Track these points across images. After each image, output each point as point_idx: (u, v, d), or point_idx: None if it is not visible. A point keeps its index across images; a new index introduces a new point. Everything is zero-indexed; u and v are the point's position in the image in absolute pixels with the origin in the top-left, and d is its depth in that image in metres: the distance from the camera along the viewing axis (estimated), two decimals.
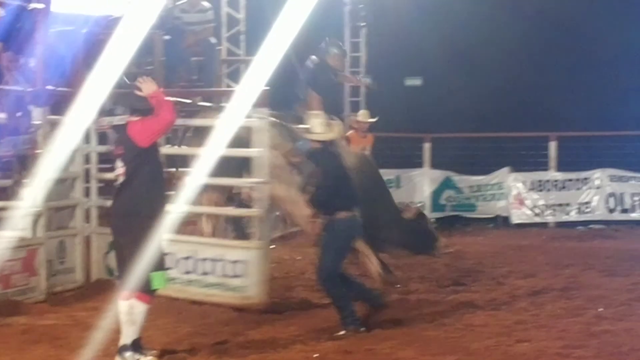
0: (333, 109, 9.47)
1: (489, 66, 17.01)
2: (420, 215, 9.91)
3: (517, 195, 15.93)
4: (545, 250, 12.66)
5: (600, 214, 15.69)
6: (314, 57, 10.00)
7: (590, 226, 15.60)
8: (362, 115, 13.32)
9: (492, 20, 16.99)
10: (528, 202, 15.95)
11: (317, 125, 7.81)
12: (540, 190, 15.93)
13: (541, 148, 16.12)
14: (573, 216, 15.84)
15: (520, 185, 15.97)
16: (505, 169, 16.08)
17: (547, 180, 15.96)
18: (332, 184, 7.55)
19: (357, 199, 7.78)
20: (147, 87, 6.64)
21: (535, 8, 17.22)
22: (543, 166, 16.15)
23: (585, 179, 15.81)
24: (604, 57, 17.18)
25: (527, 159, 16.13)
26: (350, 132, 12.89)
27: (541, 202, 15.91)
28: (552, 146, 16.04)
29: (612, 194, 15.58)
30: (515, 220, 15.93)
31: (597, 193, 15.70)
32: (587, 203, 15.75)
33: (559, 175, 15.96)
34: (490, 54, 16.88)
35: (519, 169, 16.03)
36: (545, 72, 17.46)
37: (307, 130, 7.93)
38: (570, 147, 16.12)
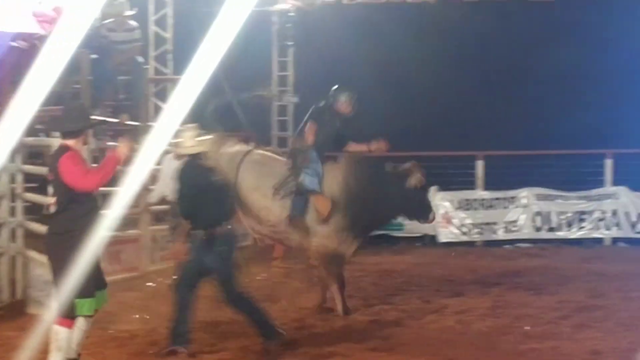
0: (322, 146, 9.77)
1: (416, 85, 17.09)
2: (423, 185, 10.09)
3: (444, 214, 16.03)
4: (473, 269, 12.75)
5: (527, 232, 15.87)
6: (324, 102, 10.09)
7: (517, 245, 15.79)
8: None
9: (419, 39, 17.13)
10: (455, 221, 16.07)
11: (187, 139, 7.73)
12: (468, 209, 16.06)
13: (468, 167, 16.29)
14: (500, 235, 16.01)
15: (447, 204, 16.06)
16: (433, 188, 16.17)
17: (474, 199, 16.12)
18: (195, 196, 7.51)
19: (228, 213, 7.77)
20: (124, 148, 6.62)
21: (462, 28, 17.41)
22: (470, 185, 16.31)
23: (512, 197, 16.00)
24: (530, 76, 17.44)
25: (454, 178, 16.27)
26: None
27: (468, 221, 16.04)
28: (479, 165, 16.22)
29: (538, 213, 15.78)
30: (442, 239, 16.01)
31: (524, 212, 15.87)
32: (514, 222, 15.95)
33: (486, 194, 16.12)
34: (417, 73, 16.98)
35: (446, 188, 16.15)
36: (472, 91, 17.61)
37: (177, 144, 7.92)
38: (497, 165, 16.29)
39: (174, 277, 7.64)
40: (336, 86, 10.11)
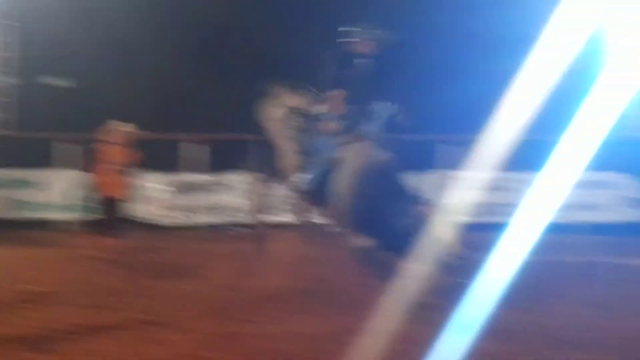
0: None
1: (145, 69, 17.02)
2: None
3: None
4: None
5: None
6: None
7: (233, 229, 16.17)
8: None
9: (149, 23, 17.05)
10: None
11: None
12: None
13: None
14: None
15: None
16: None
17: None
18: None
19: None
20: None
21: (195, 11, 17.47)
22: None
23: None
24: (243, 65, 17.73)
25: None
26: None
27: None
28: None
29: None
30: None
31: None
32: None
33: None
34: (143, 54, 16.89)
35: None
36: (200, 75, 17.70)
37: None
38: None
39: None
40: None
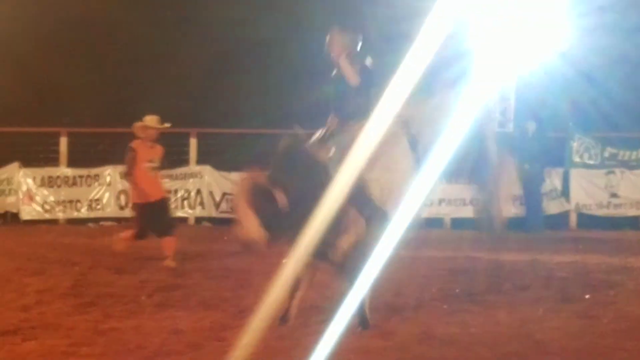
0: None
1: (8, 60, 16.62)
2: None
3: (27, 192, 15.57)
4: (55, 247, 12.44)
5: (111, 210, 15.89)
6: None
7: (101, 223, 15.74)
8: (150, 121, 10.98)
9: (12, 12, 16.62)
10: (38, 199, 15.65)
11: None
12: (51, 187, 15.71)
13: (52, 144, 15.96)
14: (84, 213, 15.84)
15: (30, 181, 15.62)
16: (15, 164, 15.65)
17: (58, 176, 15.79)
18: None
19: None
20: None
21: (59, 4, 17.13)
22: (54, 162, 15.97)
23: (97, 175, 15.88)
24: (124, 56, 17.53)
25: (38, 155, 15.90)
26: (136, 141, 10.92)
27: (52, 199, 15.69)
28: (63, 142, 15.96)
29: (123, 191, 15.82)
30: (25, 216, 15.59)
31: (107, 190, 15.87)
32: (97, 200, 15.85)
33: (70, 172, 15.87)
34: (9, 47, 16.48)
35: (30, 165, 15.70)
36: (60, 68, 17.39)
37: None
38: (81, 143, 16.17)
39: None
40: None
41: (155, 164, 10.92)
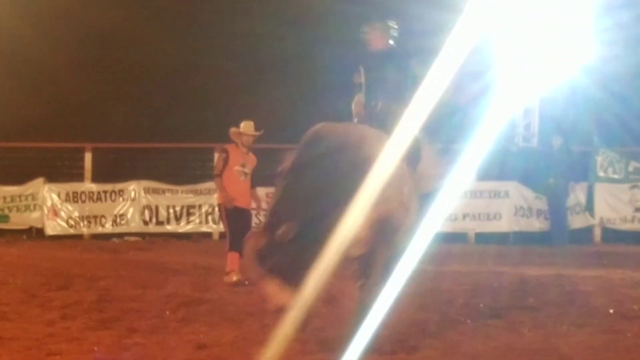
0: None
1: (33, 76, 16.69)
2: None
3: (52, 207, 15.65)
4: (80, 262, 12.49)
5: (135, 225, 15.93)
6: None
7: (126, 238, 15.79)
8: (246, 127, 10.89)
9: (36, 29, 16.71)
10: (63, 214, 15.73)
11: None
12: (76, 202, 15.79)
13: (76, 159, 16.04)
14: (108, 228, 15.90)
15: (55, 196, 15.71)
16: (40, 180, 15.75)
17: (82, 192, 15.87)
18: None
19: None
20: None
21: (76, 17, 17.19)
22: (78, 177, 16.04)
23: (121, 190, 15.94)
24: (139, 71, 17.56)
25: (63, 170, 15.97)
26: (231, 145, 10.91)
27: (76, 214, 15.77)
28: (88, 157, 16.03)
29: (147, 206, 15.88)
30: (50, 232, 15.67)
31: (132, 205, 15.92)
32: (122, 215, 15.91)
33: (94, 187, 15.95)
34: (26, 62, 16.54)
35: (54, 180, 15.78)
36: (81, 83, 17.44)
37: None
38: (105, 158, 16.23)
39: None
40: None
41: (247, 170, 10.79)
